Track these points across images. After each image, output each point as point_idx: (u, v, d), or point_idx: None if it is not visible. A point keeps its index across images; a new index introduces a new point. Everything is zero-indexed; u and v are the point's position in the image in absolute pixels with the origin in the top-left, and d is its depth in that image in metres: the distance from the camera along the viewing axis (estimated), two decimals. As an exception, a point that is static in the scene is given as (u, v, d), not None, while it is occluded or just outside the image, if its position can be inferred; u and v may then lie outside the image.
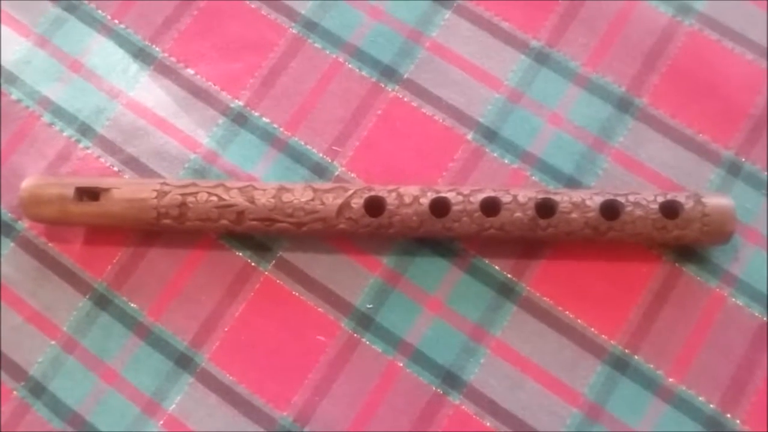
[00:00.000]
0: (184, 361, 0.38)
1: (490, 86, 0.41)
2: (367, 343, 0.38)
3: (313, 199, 0.37)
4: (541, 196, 0.37)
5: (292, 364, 0.37)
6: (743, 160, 0.39)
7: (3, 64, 0.42)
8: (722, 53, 0.41)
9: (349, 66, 0.41)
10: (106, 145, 0.41)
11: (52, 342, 0.38)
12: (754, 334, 0.37)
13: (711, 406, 0.36)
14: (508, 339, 0.37)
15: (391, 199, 0.37)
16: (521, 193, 0.37)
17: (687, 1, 0.41)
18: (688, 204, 0.36)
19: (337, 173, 0.40)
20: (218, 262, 0.39)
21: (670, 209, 0.36)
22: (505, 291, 0.38)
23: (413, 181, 0.39)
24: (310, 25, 0.42)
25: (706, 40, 0.41)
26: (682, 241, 0.37)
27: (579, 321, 0.37)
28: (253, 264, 0.39)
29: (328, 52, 0.42)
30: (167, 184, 0.37)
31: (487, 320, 0.38)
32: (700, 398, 0.36)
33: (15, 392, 0.38)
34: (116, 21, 0.42)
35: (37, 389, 0.37)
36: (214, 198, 0.37)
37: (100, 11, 0.43)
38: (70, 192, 0.37)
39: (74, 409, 0.37)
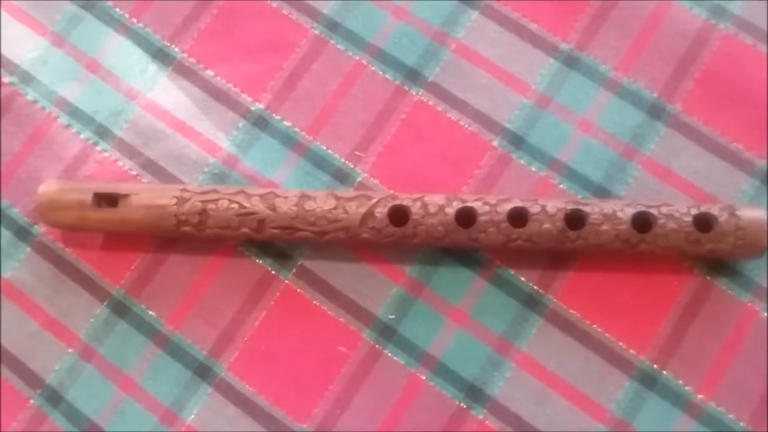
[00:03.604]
0: (202, 371, 0.37)
1: (517, 90, 0.40)
2: (390, 354, 0.37)
3: (335, 208, 0.36)
4: (570, 207, 0.36)
5: (312, 376, 0.37)
6: (778, 170, 0.38)
7: (19, 63, 0.41)
8: (758, 58, 0.39)
9: (373, 68, 0.40)
10: (124, 148, 0.40)
11: (70, 350, 0.37)
12: (786, 350, 0.36)
13: (741, 424, 0.35)
14: (533, 352, 0.37)
15: (415, 209, 0.36)
16: (550, 203, 0.36)
17: (722, 3, 0.40)
18: (722, 217, 0.35)
19: (359, 179, 0.39)
20: (238, 270, 0.38)
21: (704, 222, 0.35)
22: (531, 303, 0.37)
23: (437, 188, 0.38)
24: (333, 26, 0.41)
25: (741, 45, 0.40)
26: (714, 255, 0.36)
27: (607, 335, 0.37)
28: (273, 272, 0.38)
29: (350, 54, 0.40)
30: (187, 191, 0.37)
31: (512, 333, 0.37)
32: (730, 416, 0.35)
33: (32, 400, 0.37)
34: (134, 20, 0.41)
35: (54, 398, 0.37)
36: (235, 205, 0.36)
37: (117, 9, 0.42)
38: (89, 198, 0.36)
39: (91, 418, 0.37)
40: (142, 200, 0.36)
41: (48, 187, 0.37)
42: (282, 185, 0.39)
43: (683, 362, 0.36)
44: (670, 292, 0.37)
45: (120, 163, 0.40)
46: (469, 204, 0.36)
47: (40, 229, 0.39)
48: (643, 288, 0.37)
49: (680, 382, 0.36)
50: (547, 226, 0.35)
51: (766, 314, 0.36)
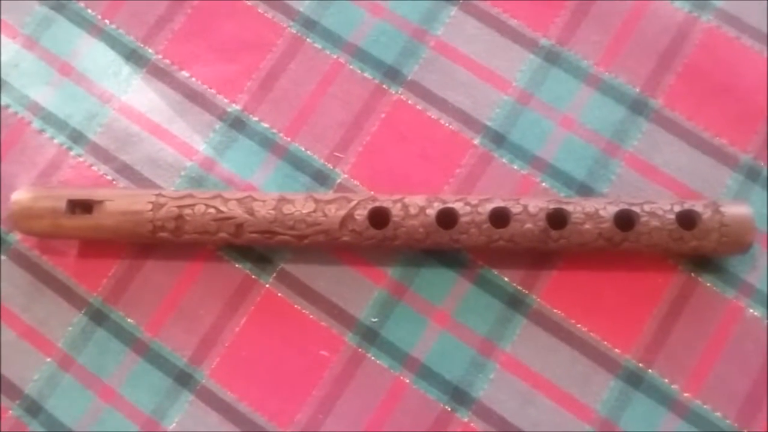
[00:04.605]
0: (183, 378, 0.36)
1: (498, 87, 0.39)
2: (373, 358, 0.36)
3: (314, 211, 0.36)
4: (552, 206, 0.35)
5: (295, 381, 0.36)
6: (762, 164, 0.38)
7: (-10, 67, 0.40)
8: (741, 51, 0.39)
9: (351, 67, 0.40)
10: (98, 153, 0.39)
11: (48, 359, 0.37)
12: (772, 346, 0.36)
13: (727, 421, 0.35)
14: (518, 353, 0.36)
15: (396, 210, 0.35)
16: (532, 203, 0.35)
17: (704, -4, 0.40)
18: (706, 214, 0.35)
19: (339, 180, 0.38)
20: (217, 275, 0.37)
21: (687, 219, 0.35)
22: (515, 303, 0.37)
23: (418, 188, 0.38)
24: (309, 24, 0.40)
25: (725, 38, 0.39)
26: (699, 252, 0.35)
27: (591, 334, 0.36)
28: (253, 276, 0.37)
29: (328, 53, 0.40)
30: (163, 196, 0.36)
31: (496, 334, 0.36)
32: (717, 413, 0.35)
33: (11, 411, 0.36)
34: (106, 21, 0.41)
35: (33, 408, 0.36)
36: (212, 210, 0.36)
37: (89, 10, 0.41)
38: (62, 205, 0.36)
39: (71, 428, 0.36)
40: (117, 206, 0.36)
41: (21, 195, 0.36)
42: (261, 188, 0.38)
43: (669, 360, 0.36)
44: (654, 289, 0.37)
45: (95, 168, 0.39)
46: (450, 205, 0.35)
47: (15, 236, 0.38)
48: (628, 286, 0.37)
49: (666, 380, 0.36)
50: (529, 225, 0.35)
51: (751, 311, 0.36)
